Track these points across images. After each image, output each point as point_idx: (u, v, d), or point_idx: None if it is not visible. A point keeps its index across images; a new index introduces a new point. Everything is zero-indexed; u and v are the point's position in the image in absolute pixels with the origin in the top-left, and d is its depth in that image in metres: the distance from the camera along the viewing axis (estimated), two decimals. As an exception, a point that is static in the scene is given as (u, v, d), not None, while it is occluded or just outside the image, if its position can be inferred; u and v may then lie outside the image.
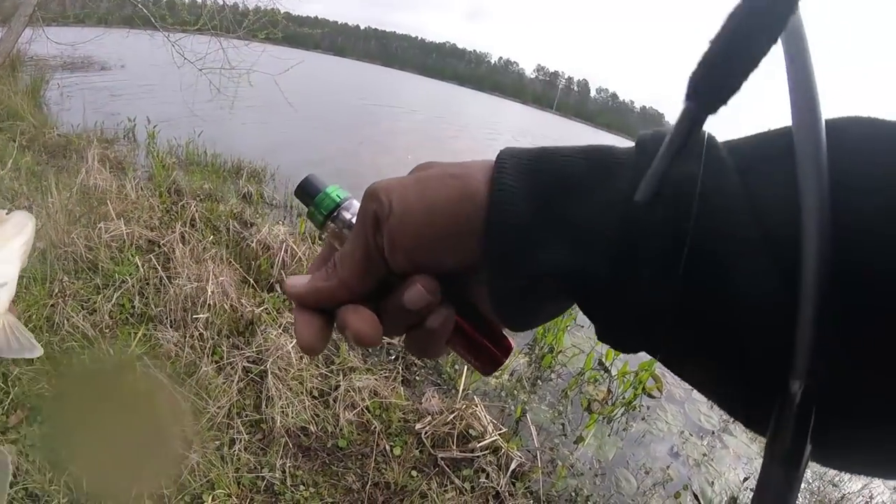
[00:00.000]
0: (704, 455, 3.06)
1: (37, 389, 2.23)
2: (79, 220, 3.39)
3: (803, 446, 0.24)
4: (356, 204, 0.36)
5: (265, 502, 2.13)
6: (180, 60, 6.42)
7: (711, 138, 0.29)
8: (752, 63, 0.26)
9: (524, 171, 0.30)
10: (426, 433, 2.44)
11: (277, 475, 2.21)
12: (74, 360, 2.41)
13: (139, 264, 3.07)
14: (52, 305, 2.64)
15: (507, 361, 0.35)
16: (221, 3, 6.72)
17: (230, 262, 3.25)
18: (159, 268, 3.05)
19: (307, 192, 0.37)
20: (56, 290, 2.75)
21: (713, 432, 3.42)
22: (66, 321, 2.57)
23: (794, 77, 0.28)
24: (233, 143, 5.56)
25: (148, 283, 2.99)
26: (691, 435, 3.20)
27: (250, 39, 7.00)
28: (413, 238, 0.31)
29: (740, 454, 3.19)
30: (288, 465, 2.25)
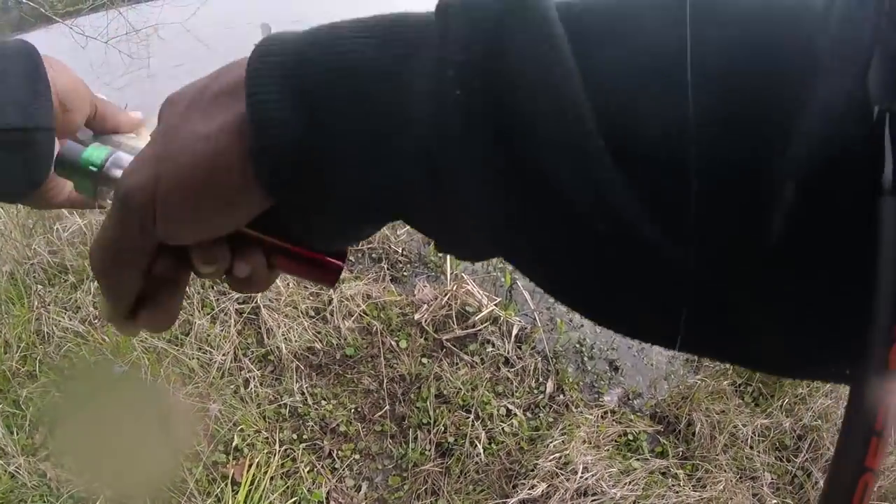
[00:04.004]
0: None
1: (49, 401, 2.28)
2: (34, 230, 3.32)
3: None
4: (124, 157, 0.32)
5: (294, 426, 2.23)
6: (83, 40, 6.10)
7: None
8: None
9: (289, 91, 0.23)
10: (426, 321, 2.51)
11: (298, 398, 2.30)
12: (74, 360, 2.45)
13: (105, 249, 3.05)
14: (36, 319, 2.64)
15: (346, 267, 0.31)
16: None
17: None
18: (125, 246, 3.02)
19: (67, 162, 0.32)
20: (35, 304, 2.74)
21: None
22: (54, 328, 2.58)
23: None
24: (159, 105, 5.34)
25: (120, 264, 2.97)
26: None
27: (149, -4, 6.62)
28: (185, 220, 0.26)
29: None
30: (305, 386, 2.34)
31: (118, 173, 0.31)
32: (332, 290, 2.46)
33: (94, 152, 0.32)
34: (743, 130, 0.21)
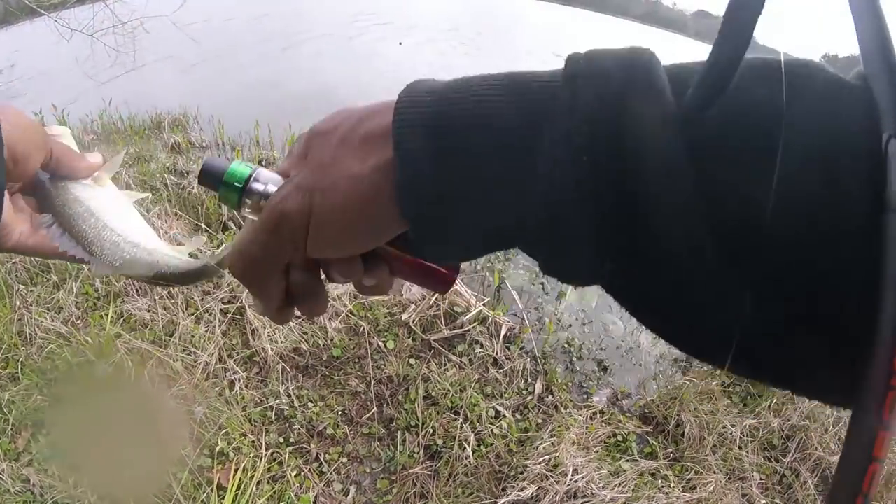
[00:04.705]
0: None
1: (32, 405, 2.24)
2: (15, 227, 3.27)
3: None
4: (264, 172, 0.35)
5: (280, 429, 2.20)
6: (68, 33, 6.01)
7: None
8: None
9: (431, 141, 0.27)
10: (414, 321, 2.48)
11: (284, 401, 2.26)
12: (57, 363, 2.40)
13: (87, 247, 3.00)
14: (18, 319, 2.60)
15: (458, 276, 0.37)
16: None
17: (177, 214, 3.17)
18: (109, 243, 2.97)
19: (212, 175, 0.36)
20: (17, 304, 2.69)
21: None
22: (36, 329, 2.53)
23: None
24: (147, 98, 5.27)
25: (103, 262, 2.93)
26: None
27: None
28: (336, 243, 0.31)
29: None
30: (291, 388, 2.31)
31: (259, 187, 0.35)
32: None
33: (238, 168, 0.35)
34: (811, 237, 0.24)
